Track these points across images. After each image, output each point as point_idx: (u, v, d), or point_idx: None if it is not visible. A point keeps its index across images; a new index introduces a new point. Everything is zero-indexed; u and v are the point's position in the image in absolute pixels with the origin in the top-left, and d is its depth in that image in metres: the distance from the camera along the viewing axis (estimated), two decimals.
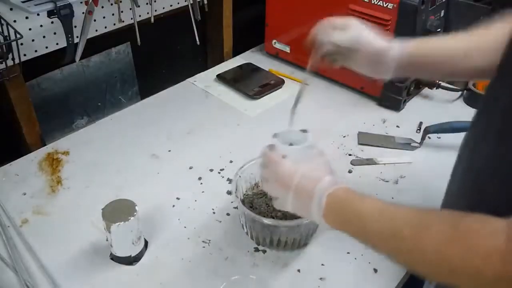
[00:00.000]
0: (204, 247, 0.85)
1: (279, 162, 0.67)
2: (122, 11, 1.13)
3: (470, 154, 0.62)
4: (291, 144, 0.72)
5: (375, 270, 0.81)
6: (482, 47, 0.71)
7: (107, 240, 0.80)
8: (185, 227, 0.89)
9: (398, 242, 0.54)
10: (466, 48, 0.73)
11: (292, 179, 0.65)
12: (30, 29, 0.99)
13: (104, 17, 1.10)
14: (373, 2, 1.13)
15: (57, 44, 1.05)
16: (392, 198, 0.96)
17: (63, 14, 0.92)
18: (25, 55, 0.99)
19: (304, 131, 0.74)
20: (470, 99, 1.24)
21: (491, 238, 0.46)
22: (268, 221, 0.79)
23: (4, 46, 0.89)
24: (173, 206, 0.94)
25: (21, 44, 0.95)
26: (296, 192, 0.65)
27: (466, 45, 0.73)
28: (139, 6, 1.13)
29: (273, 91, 1.30)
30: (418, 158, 1.06)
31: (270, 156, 0.69)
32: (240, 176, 0.89)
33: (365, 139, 1.12)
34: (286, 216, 0.82)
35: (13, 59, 0.93)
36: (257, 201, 0.88)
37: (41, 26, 1.00)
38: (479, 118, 0.60)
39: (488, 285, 0.46)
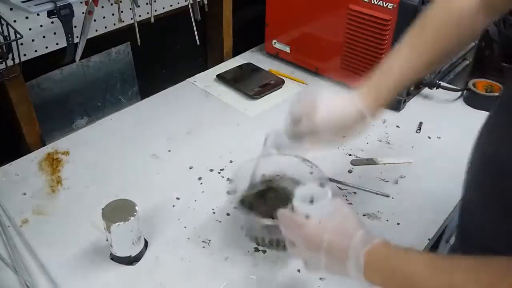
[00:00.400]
0: (204, 247, 0.85)
1: (303, 224, 0.62)
2: (122, 11, 1.13)
3: (488, 147, 0.62)
4: (311, 202, 0.66)
5: None
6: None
7: (107, 240, 0.80)
8: (185, 227, 0.89)
9: None
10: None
11: (322, 239, 0.60)
12: (30, 29, 0.98)
13: (104, 17, 1.10)
14: (373, 2, 1.13)
15: (57, 44, 1.05)
16: (392, 198, 0.96)
17: (63, 14, 0.92)
18: (25, 55, 0.99)
19: (322, 185, 0.70)
20: (470, 99, 1.24)
21: None
22: (268, 221, 0.79)
23: (4, 46, 0.89)
24: (173, 206, 0.94)
25: (21, 44, 0.95)
26: (328, 252, 0.60)
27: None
28: (139, 6, 1.13)
29: (273, 91, 1.30)
30: (418, 158, 1.06)
31: (292, 219, 0.64)
32: (238, 176, 0.89)
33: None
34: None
35: (13, 59, 0.93)
36: (256, 202, 0.88)
37: (41, 26, 1.00)
38: (499, 111, 0.60)
39: None
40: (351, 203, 0.91)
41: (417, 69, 0.75)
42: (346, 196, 0.96)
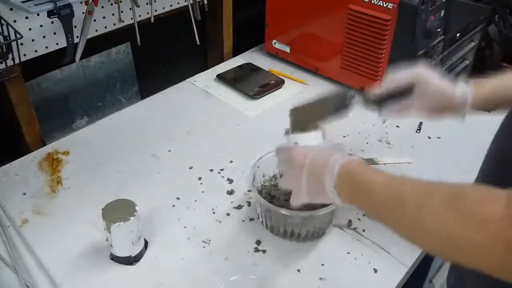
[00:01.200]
0: (204, 247, 0.85)
1: (292, 147, 0.71)
2: (122, 11, 1.13)
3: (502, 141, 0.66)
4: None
5: (375, 270, 0.81)
6: None
7: (107, 240, 0.80)
8: (185, 227, 0.89)
9: (401, 210, 0.55)
10: None
11: (306, 157, 0.67)
12: (30, 29, 0.99)
13: (104, 17, 1.10)
14: (373, 2, 1.13)
15: (57, 44, 1.05)
16: None
17: (63, 14, 0.92)
18: (25, 55, 0.99)
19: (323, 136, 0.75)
20: None
21: (490, 205, 0.46)
22: (284, 211, 0.81)
23: (4, 46, 0.89)
24: (173, 206, 0.94)
25: (21, 44, 0.95)
26: (310, 169, 0.66)
27: None
28: (139, 6, 1.13)
29: (273, 91, 1.30)
30: (418, 158, 1.06)
31: (283, 145, 0.73)
32: (258, 167, 0.91)
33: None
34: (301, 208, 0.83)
35: (13, 59, 0.93)
36: (275, 192, 0.90)
37: (41, 26, 1.00)
38: None
39: (484, 252, 0.46)
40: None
41: None
42: None
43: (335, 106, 0.74)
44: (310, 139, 0.73)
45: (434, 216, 0.50)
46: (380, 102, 0.79)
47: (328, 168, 0.64)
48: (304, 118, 0.76)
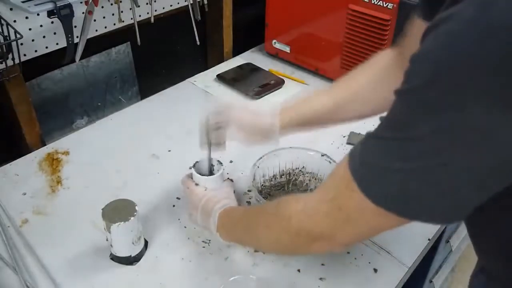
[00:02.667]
0: (204, 247, 0.85)
1: (192, 189, 0.85)
2: (122, 11, 1.13)
3: None
4: (208, 174, 0.87)
5: (375, 270, 0.81)
6: (357, 98, 0.79)
7: (107, 240, 0.80)
8: (185, 227, 0.89)
9: (243, 228, 0.76)
10: (341, 101, 0.79)
11: (200, 201, 0.82)
12: (30, 29, 0.98)
13: (104, 17, 1.10)
14: (373, 2, 1.13)
15: (57, 44, 1.05)
16: None
17: (63, 14, 0.92)
18: (25, 55, 0.99)
19: (220, 162, 0.88)
20: None
21: (294, 205, 0.61)
22: None
23: (4, 46, 0.89)
24: (173, 206, 0.94)
25: (21, 44, 0.95)
26: (202, 212, 0.82)
27: (343, 97, 0.79)
28: (139, 6, 1.13)
29: (273, 91, 1.30)
30: None
31: (187, 182, 0.86)
32: (258, 167, 0.91)
33: (355, 139, 1.12)
34: None
35: (13, 59, 0.93)
36: (274, 193, 0.91)
37: (41, 26, 1.00)
38: None
39: (289, 243, 0.64)
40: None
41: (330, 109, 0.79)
42: None
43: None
44: (208, 182, 0.85)
45: (262, 229, 0.69)
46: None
47: (212, 215, 0.80)
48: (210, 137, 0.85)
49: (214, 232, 0.80)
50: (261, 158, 0.92)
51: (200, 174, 0.85)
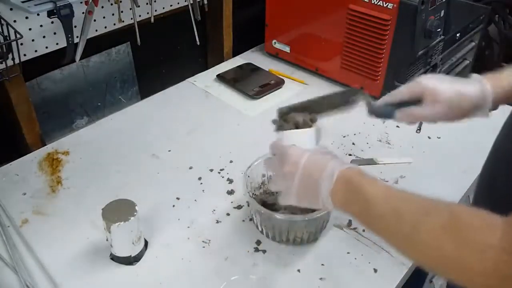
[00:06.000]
0: (204, 247, 0.85)
1: (287, 147, 0.68)
2: (122, 11, 1.13)
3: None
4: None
5: (375, 270, 0.81)
6: None
7: (107, 240, 0.80)
8: (185, 227, 0.89)
9: (397, 225, 0.55)
10: None
11: (302, 156, 0.65)
12: (30, 29, 0.98)
13: (104, 17, 1.10)
14: (373, 2, 1.13)
15: (57, 44, 1.05)
16: None
17: (63, 14, 0.92)
18: (25, 55, 0.99)
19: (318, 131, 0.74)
20: None
21: (486, 234, 0.46)
22: (279, 215, 0.80)
23: (4, 46, 0.89)
24: (173, 206, 0.94)
25: (21, 44, 0.95)
26: (306, 168, 0.64)
27: None
28: (139, 6, 1.13)
29: (273, 91, 1.30)
30: (418, 158, 1.06)
31: (278, 143, 0.70)
32: (249, 176, 0.89)
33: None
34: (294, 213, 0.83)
35: (13, 59, 0.93)
36: (268, 199, 0.89)
37: (41, 26, 1.00)
38: None
39: (477, 280, 0.47)
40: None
41: None
42: None
43: (339, 102, 0.73)
44: (303, 137, 0.70)
45: (430, 236, 0.51)
46: (382, 112, 0.77)
47: (326, 172, 0.62)
48: (296, 116, 0.75)
49: (323, 195, 0.63)
50: (250, 166, 0.90)
51: None
